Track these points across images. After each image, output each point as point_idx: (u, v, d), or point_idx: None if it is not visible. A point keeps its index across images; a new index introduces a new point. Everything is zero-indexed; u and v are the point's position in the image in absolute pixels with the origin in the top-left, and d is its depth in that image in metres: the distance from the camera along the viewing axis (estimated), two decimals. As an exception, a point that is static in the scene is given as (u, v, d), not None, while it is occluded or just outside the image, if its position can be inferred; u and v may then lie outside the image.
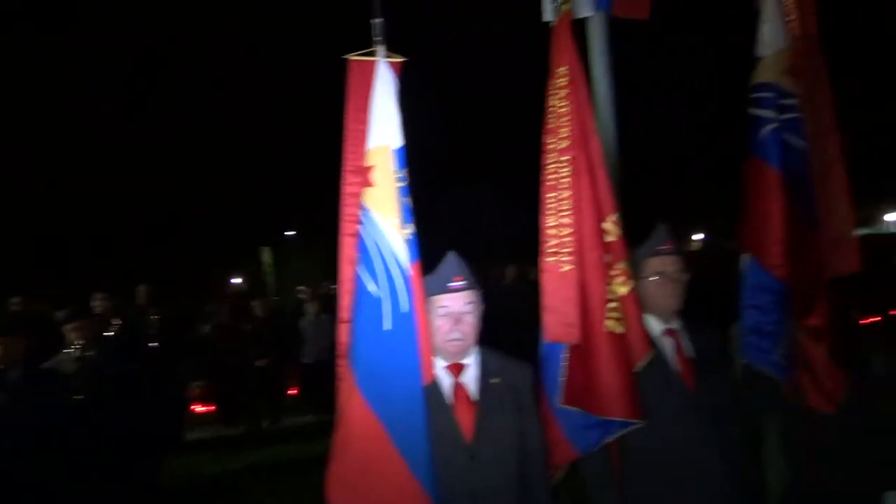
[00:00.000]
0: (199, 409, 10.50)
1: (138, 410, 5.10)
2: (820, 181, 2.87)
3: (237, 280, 27.85)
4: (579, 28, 4.50)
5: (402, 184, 2.63)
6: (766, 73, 2.86)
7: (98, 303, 6.36)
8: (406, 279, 2.54)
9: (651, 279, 2.92)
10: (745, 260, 2.94)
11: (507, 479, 2.58)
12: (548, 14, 4.33)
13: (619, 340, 2.74)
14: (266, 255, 24.62)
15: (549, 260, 2.84)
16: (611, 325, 2.74)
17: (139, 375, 5.29)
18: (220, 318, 10.65)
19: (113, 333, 5.79)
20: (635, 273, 2.97)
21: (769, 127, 2.86)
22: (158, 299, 8.56)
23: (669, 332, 2.94)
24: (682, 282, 2.94)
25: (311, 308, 10.63)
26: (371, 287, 2.52)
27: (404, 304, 2.52)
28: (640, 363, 2.78)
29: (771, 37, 2.87)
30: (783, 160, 2.87)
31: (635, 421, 2.72)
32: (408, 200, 2.65)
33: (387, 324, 2.51)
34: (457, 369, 2.67)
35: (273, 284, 23.31)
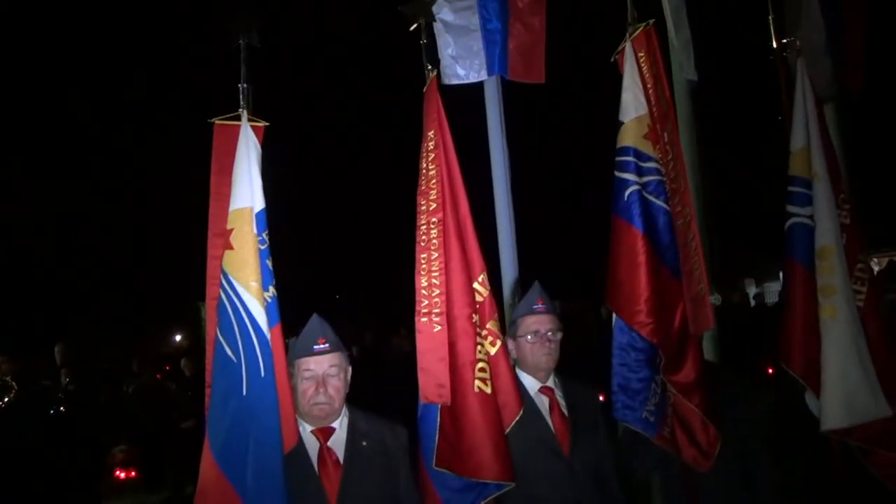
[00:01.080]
0: (120, 474, 10.05)
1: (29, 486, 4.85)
2: (681, 241, 2.96)
3: (178, 337, 27.15)
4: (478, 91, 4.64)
5: (263, 247, 2.62)
6: (627, 137, 2.97)
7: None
8: (264, 344, 2.50)
9: (525, 337, 2.94)
10: (614, 320, 2.99)
11: None
12: (445, 77, 4.46)
13: (489, 401, 2.74)
14: (204, 311, 24.12)
15: (422, 320, 2.84)
16: (480, 385, 2.74)
17: (30, 447, 5.03)
18: (143, 378, 10.33)
19: (6, 400, 5.54)
20: (512, 331, 3.00)
21: (631, 189, 2.95)
22: (84, 358, 8.21)
23: (545, 391, 2.95)
24: (557, 340, 2.96)
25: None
26: (228, 352, 2.48)
27: (262, 370, 2.48)
28: (512, 423, 2.78)
29: (631, 103, 2.99)
30: (645, 221, 2.95)
31: (506, 483, 2.70)
32: (269, 263, 2.63)
33: (245, 389, 2.46)
34: (324, 433, 2.62)
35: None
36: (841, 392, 2.95)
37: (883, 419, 2.96)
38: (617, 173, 3.00)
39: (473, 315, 2.80)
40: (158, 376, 10.34)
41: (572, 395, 2.99)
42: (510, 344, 3.00)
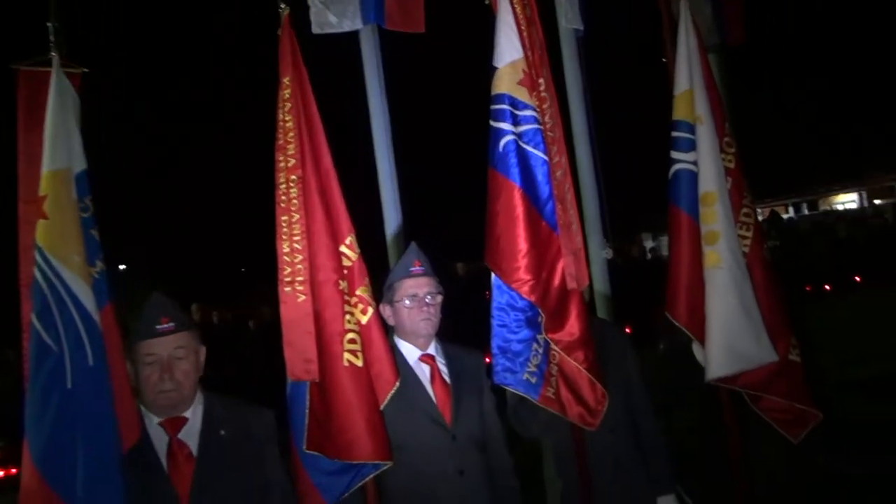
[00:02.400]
0: (-1, 473, 9.30)
1: None
2: (559, 193, 2.79)
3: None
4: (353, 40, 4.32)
5: (86, 214, 2.25)
6: (501, 84, 2.75)
7: None
8: (91, 327, 2.15)
9: (402, 302, 2.71)
10: (492, 279, 2.80)
11: None
12: (315, 26, 4.11)
13: (361, 374, 2.50)
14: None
15: (285, 290, 2.55)
16: (350, 358, 2.49)
17: None
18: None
19: None
20: (388, 297, 2.77)
21: (507, 139, 2.74)
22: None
23: (425, 359, 2.74)
24: (437, 304, 2.75)
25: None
26: (47, 339, 2.11)
27: (90, 357, 2.13)
28: (388, 395, 2.56)
29: (505, 47, 2.76)
30: (522, 173, 2.76)
31: (383, 462, 2.48)
32: (95, 233, 2.27)
33: (69, 381, 2.10)
34: (173, 424, 2.30)
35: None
36: (725, 340, 2.88)
37: (769, 364, 2.92)
38: (492, 122, 2.78)
39: (340, 282, 2.54)
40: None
41: (456, 361, 2.79)
42: (386, 311, 2.76)
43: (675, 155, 3.07)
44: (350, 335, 2.51)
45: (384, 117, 4.10)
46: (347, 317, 2.52)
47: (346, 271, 2.58)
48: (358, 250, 2.62)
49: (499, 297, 2.79)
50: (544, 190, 2.78)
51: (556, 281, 2.80)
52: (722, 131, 3.06)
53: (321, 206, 2.57)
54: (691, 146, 3.02)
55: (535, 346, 2.76)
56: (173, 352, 2.27)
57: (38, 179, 2.22)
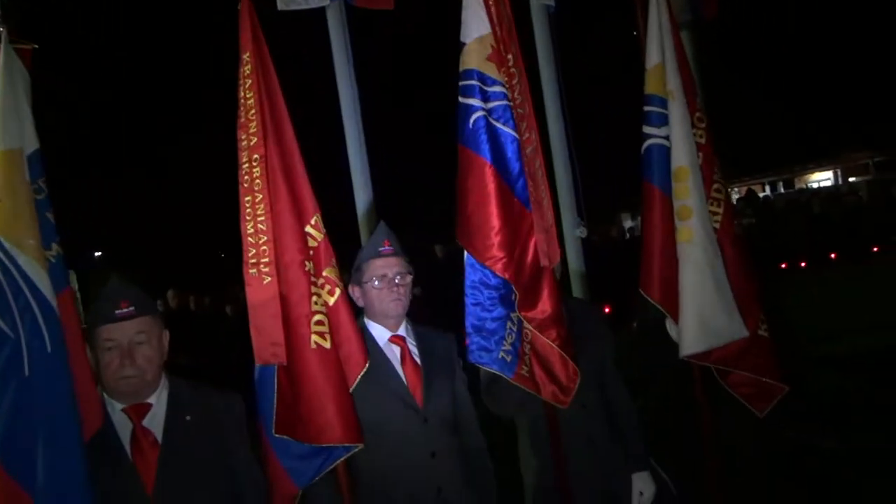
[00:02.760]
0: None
1: None
2: (530, 170, 2.75)
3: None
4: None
5: (40, 196, 2.18)
6: (470, 59, 2.71)
7: None
8: (48, 312, 2.08)
9: (371, 283, 2.67)
10: (465, 258, 2.77)
11: None
12: (281, 2, 4.02)
13: (329, 356, 2.45)
14: (72, 280, 22.46)
15: (251, 272, 2.49)
16: (318, 340, 2.45)
17: None
18: None
19: None
20: (357, 278, 2.72)
21: (476, 115, 2.70)
22: None
23: (395, 340, 2.70)
24: (406, 284, 2.71)
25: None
26: (3, 327, 2.04)
27: (48, 344, 2.06)
28: (358, 377, 2.52)
29: (472, 21, 2.71)
30: (492, 149, 2.72)
31: (354, 444, 2.45)
32: (50, 216, 2.20)
33: (27, 369, 2.04)
34: (137, 411, 2.25)
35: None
36: (699, 316, 2.88)
37: (739, 340, 2.93)
38: (461, 99, 2.74)
39: (306, 262, 2.48)
40: None
41: (426, 342, 2.77)
42: (356, 292, 2.73)
43: (647, 130, 3.05)
44: (317, 317, 2.46)
45: (353, 94, 4.04)
46: (314, 298, 2.47)
47: (311, 252, 2.53)
48: (324, 230, 2.57)
49: (472, 275, 2.76)
50: (515, 167, 2.75)
51: (529, 258, 2.78)
52: (693, 107, 3.03)
53: (285, 185, 2.51)
54: (663, 121, 2.99)
55: (509, 324, 2.74)
56: (134, 336, 2.21)
57: (-12, 161, 2.14)
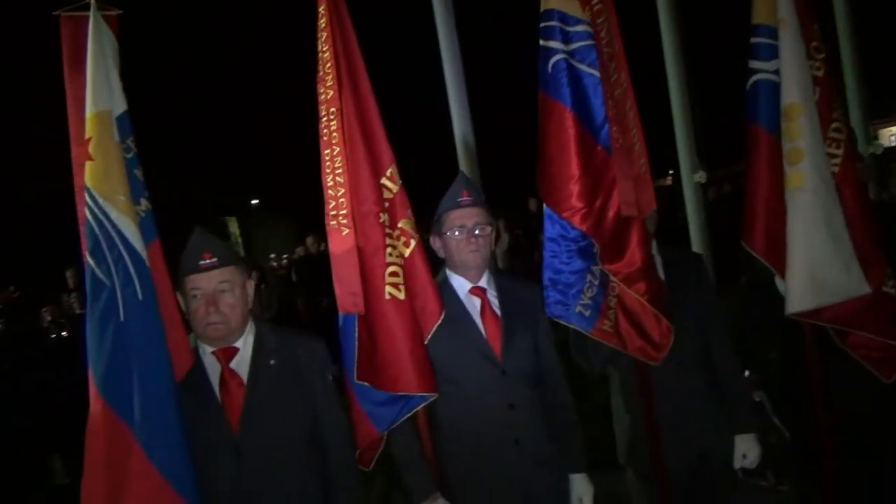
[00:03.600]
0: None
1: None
2: (616, 114, 2.57)
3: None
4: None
5: (129, 155, 2.33)
6: None
7: None
8: (139, 264, 2.24)
9: (451, 234, 2.65)
10: (544, 210, 2.67)
11: (283, 472, 2.34)
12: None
13: (403, 307, 2.49)
14: (233, 226, 24.27)
15: (331, 224, 2.57)
16: (392, 291, 2.48)
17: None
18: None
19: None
20: (437, 229, 2.71)
21: (556, 58, 2.55)
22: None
23: (476, 291, 2.68)
24: (486, 235, 2.66)
25: (247, 280, 10.37)
26: (100, 275, 2.23)
27: (139, 292, 2.23)
28: (433, 328, 2.53)
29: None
30: (574, 94, 2.57)
31: (428, 394, 2.48)
32: (139, 173, 2.35)
33: (122, 315, 2.23)
34: (225, 354, 2.39)
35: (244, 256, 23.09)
36: (809, 270, 2.60)
37: (860, 297, 2.62)
38: (541, 42, 2.60)
39: (381, 214, 2.51)
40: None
41: (509, 294, 2.72)
42: (436, 243, 2.72)
43: (753, 64, 2.74)
44: (392, 268, 2.49)
45: (449, 21, 3.93)
46: (389, 250, 2.50)
47: (387, 204, 2.55)
48: (399, 182, 2.57)
49: (550, 228, 2.66)
50: (599, 111, 2.58)
51: (613, 208, 2.63)
52: (809, 35, 2.68)
53: (361, 137, 2.52)
54: (772, 54, 2.67)
55: (589, 277, 2.63)
56: (217, 286, 2.33)
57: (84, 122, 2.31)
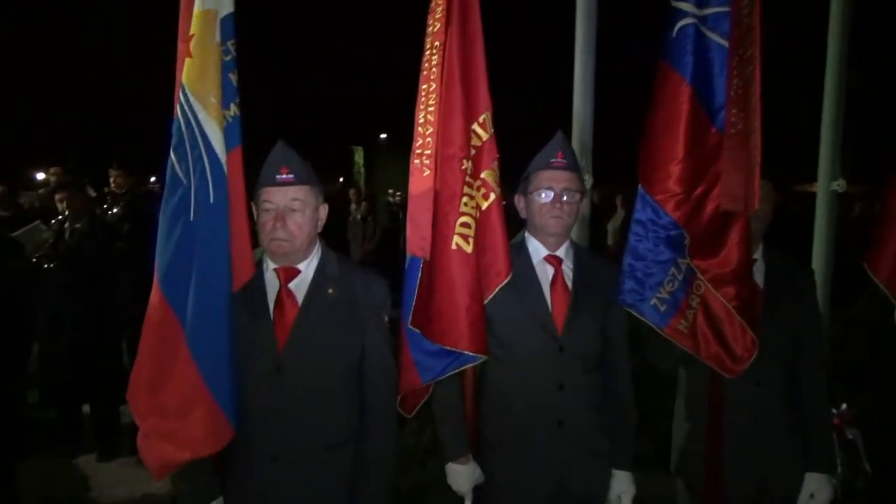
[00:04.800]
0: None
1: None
2: (743, 94, 2.29)
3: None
4: None
5: (227, 57, 2.32)
6: None
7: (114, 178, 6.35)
8: (216, 167, 2.25)
9: (536, 194, 2.50)
10: (638, 190, 2.45)
11: (321, 397, 2.32)
12: None
13: (468, 261, 2.38)
14: (358, 155, 24.78)
15: (415, 162, 2.48)
16: (459, 242, 2.37)
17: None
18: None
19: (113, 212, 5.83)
20: (523, 187, 2.57)
21: (684, 22, 2.30)
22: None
23: (551, 259, 2.53)
24: (574, 203, 2.49)
25: (356, 210, 10.60)
26: (179, 172, 2.26)
27: (212, 195, 2.25)
28: (496, 288, 2.42)
29: None
30: (696, 65, 2.32)
31: (477, 355, 2.39)
32: (233, 77, 2.34)
33: (192, 214, 2.25)
34: (286, 273, 2.38)
35: (363, 186, 23.62)
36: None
37: None
38: (672, 2, 2.35)
39: (465, 161, 2.39)
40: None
41: (586, 271, 2.55)
42: (521, 202, 2.58)
43: None
44: (464, 218, 2.38)
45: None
46: (465, 199, 2.38)
47: (473, 151, 2.42)
48: (491, 131, 2.43)
49: (640, 210, 2.46)
50: (721, 90, 2.33)
51: (715, 200, 2.39)
52: None
53: (459, 77, 2.40)
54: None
55: (672, 270, 2.42)
56: (289, 203, 2.31)
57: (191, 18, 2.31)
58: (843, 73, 3.93)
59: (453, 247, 2.37)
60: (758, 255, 2.67)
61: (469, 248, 2.37)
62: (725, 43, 2.30)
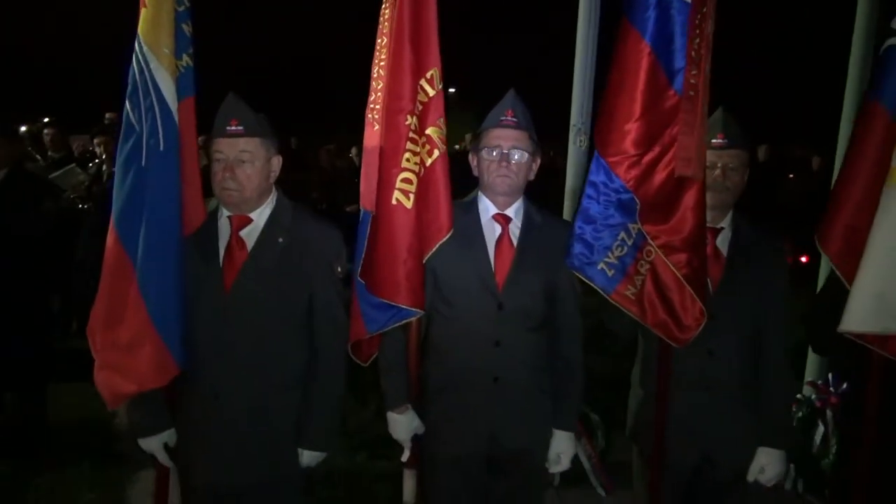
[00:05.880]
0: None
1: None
2: (702, 52, 2.19)
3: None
4: None
5: (181, 8, 2.38)
6: None
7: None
8: (167, 116, 2.34)
9: (485, 153, 2.48)
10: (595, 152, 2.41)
11: (264, 340, 2.41)
12: None
13: (407, 216, 2.40)
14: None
15: (367, 116, 2.51)
16: (399, 197, 2.40)
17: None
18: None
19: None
20: (474, 144, 2.56)
21: None
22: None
23: (499, 218, 2.52)
24: (522, 163, 2.46)
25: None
26: (132, 119, 2.36)
27: (162, 144, 2.34)
28: (437, 244, 2.43)
29: None
30: (656, 22, 2.24)
31: (413, 309, 2.43)
32: (186, 28, 2.40)
33: (143, 160, 2.36)
34: (238, 221, 2.46)
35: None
36: (879, 285, 2.15)
37: None
38: None
39: (409, 116, 2.39)
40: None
41: (537, 231, 2.52)
42: (473, 160, 2.57)
43: (895, 24, 2.21)
44: (405, 174, 2.40)
45: None
46: (407, 155, 2.40)
47: (420, 107, 2.42)
48: (439, 87, 2.42)
49: (594, 171, 2.42)
50: (681, 51, 2.25)
51: (668, 165, 2.33)
52: None
53: (409, 32, 2.38)
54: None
55: (622, 234, 2.38)
56: (238, 154, 2.37)
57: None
58: (866, 71, 3.66)
59: (393, 202, 2.39)
60: (725, 223, 2.59)
61: (409, 204, 2.39)
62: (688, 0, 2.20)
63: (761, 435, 2.53)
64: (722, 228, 2.58)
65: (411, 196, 2.39)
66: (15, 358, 4.20)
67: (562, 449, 2.53)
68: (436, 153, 2.42)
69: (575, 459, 2.66)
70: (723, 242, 2.57)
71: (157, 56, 2.33)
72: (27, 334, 4.31)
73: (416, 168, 2.41)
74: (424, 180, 2.42)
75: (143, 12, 2.34)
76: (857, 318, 2.20)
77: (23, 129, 6.11)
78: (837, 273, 2.32)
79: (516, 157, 2.44)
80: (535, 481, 2.64)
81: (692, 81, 2.25)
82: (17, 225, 4.18)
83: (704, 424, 2.53)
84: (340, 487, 3.93)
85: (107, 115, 7.71)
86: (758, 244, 2.58)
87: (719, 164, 2.48)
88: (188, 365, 2.40)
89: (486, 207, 2.53)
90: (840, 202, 2.32)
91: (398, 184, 2.39)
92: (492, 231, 2.51)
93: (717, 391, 2.53)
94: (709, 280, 2.51)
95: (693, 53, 2.23)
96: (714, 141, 2.48)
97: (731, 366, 2.52)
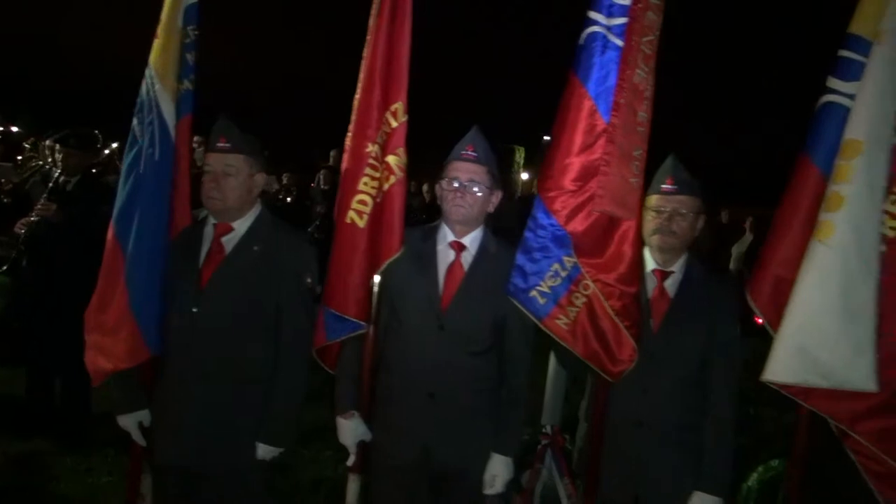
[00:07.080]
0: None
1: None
2: (635, 99, 2.29)
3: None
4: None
5: (188, 40, 2.72)
6: None
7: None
8: (164, 131, 2.67)
9: (445, 184, 2.66)
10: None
11: (231, 337, 2.64)
12: None
13: (359, 235, 2.62)
14: (519, 155, 25.05)
15: (346, 143, 2.75)
16: (353, 217, 2.61)
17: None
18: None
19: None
20: (440, 176, 2.74)
21: (592, 29, 2.38)
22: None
23: (455, 245, 2.68)
24: (477, 195, 2.61)
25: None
26: (137, 133, 2.71)
27: (156, 153, 2.67)
28: (385, 262, 2.61)
29: None
30: (598, 73, 2.37)
31: (360, 323, 2.61)
32: (190, 57, 2.73)
33: (142, 167, 2.69)
34: (221, 229, 2.72)
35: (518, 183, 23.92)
36: (800, 337, 2.14)
37: (864, 393, 2.11)
38: (588, 12, 2.43)
39: (370, 144, 2.61)
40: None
41: (494, 262, 2.65)
42: (438, 189, 2.75)
43: (831, 83, 2.23)
44: (360, 196, 2.61)
45: None
46: (365, 179, 2.61)
47: (383, 136, 2.63)
48: (402, 119, 2.61)
49: (536, 207, 2.55)
50: (611, 92, 2.36)
51: (602, 206, 2.42)
52: None
53: (382, 66, 2.61)
54: (856, 73, 2.15)
55: (555, 265, 2.49)
56: (224, 168, 2.66)
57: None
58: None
59: (347, 220, 2.61)
60: (676, 267, 2.64)
61: (362, 224, 2.59)
62: (621, 42, 2.33)
63: (700, 480, 2.52)
64: (672, 272, 2.63)
65: (365, 216, 2.59)
66: (72, 346, 4.58)
67: (497, 471, 2.61)
68: (392, 179, 2.61)
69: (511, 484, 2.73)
70: (671, 285, 2.62)
71: (161, 79, 2.67)
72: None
73: (374, 192, 2.61)
74: (380, 204, 2.62)
75: (155, 43, 2.70)
76: (780, 368, 2.19)
77: (114, 145, 6.68)
78: (765, 323, 2.32)
79: (474, 189, 2.60)
80: (475, 502, 2.72)
81: (614, 122, 2.36)
82: (86, 225, 4.63)
83: (636, 463, 2.56)
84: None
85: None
86: (708, 290, 2.60)
87: (668, 209, 2.55)
88: (161, 351, 2.67)
89: (445, 235, 2.70)
90: (771, 254, 2.34)
91: (353, 204, 2.60)
92: (446, 256, 2.67)
93: (649, 430, 2.56)
94: (651, 320, 2.56)
95: (626, 85, 2.34)
96: (663, 186, 2.55)
97: (665, 406, 2.55)
